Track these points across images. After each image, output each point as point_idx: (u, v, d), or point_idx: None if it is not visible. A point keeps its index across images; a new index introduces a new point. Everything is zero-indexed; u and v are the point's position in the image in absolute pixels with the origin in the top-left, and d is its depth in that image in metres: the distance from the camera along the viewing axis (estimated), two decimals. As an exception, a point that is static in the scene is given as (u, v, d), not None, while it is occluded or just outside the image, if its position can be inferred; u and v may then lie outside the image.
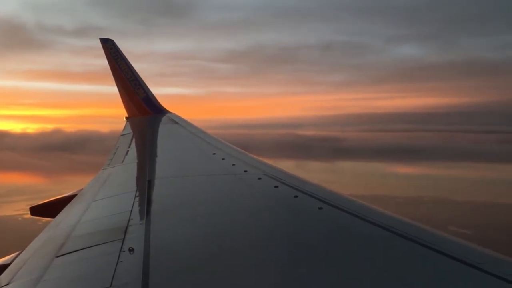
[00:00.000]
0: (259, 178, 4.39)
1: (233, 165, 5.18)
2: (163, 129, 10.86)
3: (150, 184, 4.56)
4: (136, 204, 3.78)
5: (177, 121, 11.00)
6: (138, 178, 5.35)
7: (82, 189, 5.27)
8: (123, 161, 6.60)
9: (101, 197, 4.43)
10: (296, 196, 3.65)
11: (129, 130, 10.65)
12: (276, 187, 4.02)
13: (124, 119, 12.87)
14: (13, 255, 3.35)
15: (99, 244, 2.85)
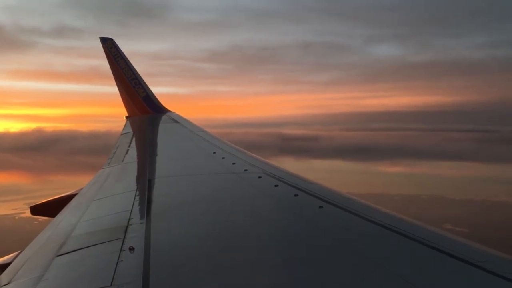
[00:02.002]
0: (259, 177, 4.39)
1: (233, 164, 5.17)
2: (163, 128, 10.85)
3: (150, 183, 4.56)
4: (137, 203, 3.78)
5: (177, 120, 10.99)
6: (138, 177, 5.35)
7: (82, 188, 5.27)
8: (123, 160, 6.60)
9: (101, 196, 4.42)
10: (296, 195, 3.65)
11: (129, 129, 10.64)
12: (276, 186, 4.02)
13: (124, 118, 12.86)
14: (14, 254, 3.35)
15: (99, 243, 2.85)
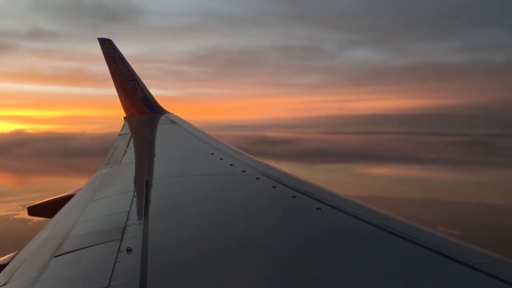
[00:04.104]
0: (257, 178, 4.39)
1: (231, 165, 5.17)
2: (161, 129, 10.84)
3: (148, 184, 4.56)
4: (134, 204, 3.77)
5: (175, 121, 10.99)
6: (136, 178, 5.34)
7: (79, 189, 5.26)
8: (121, 161, 6.59)
9: (98, 197, 4.41)
10: (294, 197, 3.65)
11: (127, 130, 10.62)
12: (274, 187, 4.02)
13: (122, 119, 12.86)
14: (11, 255, 3.34)
15: (96, 244, 2.85)
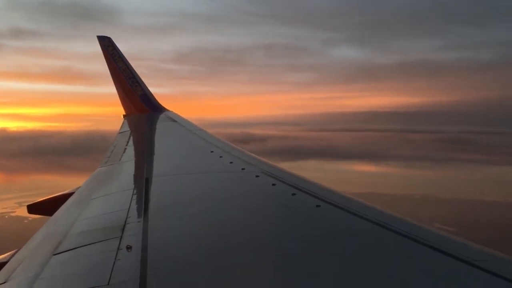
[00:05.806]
0: (257, 176, 4.39)
1: (231, 163, 5.17)
2: (161, 126, 10.83)
3: (148, 182, 4.55)
4: (134, 202, 3.77)
5: (174, 119, 10.98)
6: (135, 176, 5.34)
7: (79, 187, 5.26)
8: (120, 159, 6.59)
9: (98, 195, 4.41)
10: (294, 194, 3.66)
11: (127, 128, 10.61)
12: (273, 185, 4.02)
13: (122, 116, 12.84)
14: (11, 253, 3.34)
15: (96, 242, 2.85)
